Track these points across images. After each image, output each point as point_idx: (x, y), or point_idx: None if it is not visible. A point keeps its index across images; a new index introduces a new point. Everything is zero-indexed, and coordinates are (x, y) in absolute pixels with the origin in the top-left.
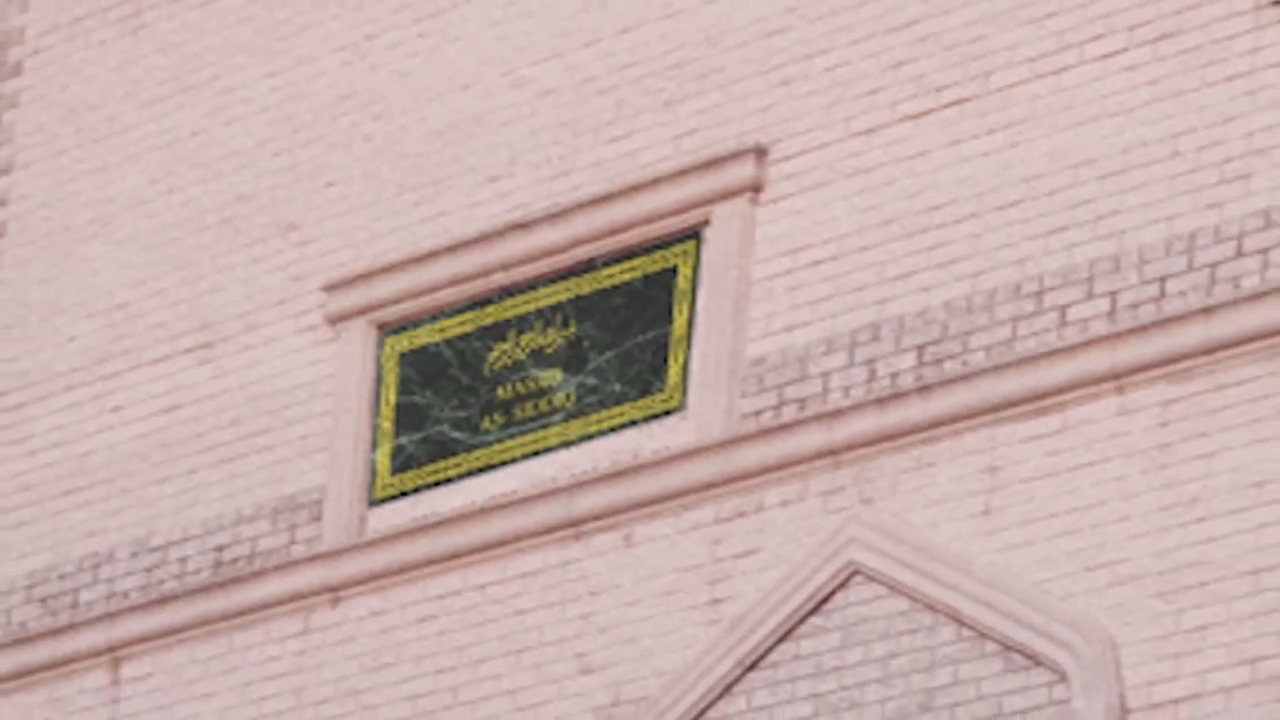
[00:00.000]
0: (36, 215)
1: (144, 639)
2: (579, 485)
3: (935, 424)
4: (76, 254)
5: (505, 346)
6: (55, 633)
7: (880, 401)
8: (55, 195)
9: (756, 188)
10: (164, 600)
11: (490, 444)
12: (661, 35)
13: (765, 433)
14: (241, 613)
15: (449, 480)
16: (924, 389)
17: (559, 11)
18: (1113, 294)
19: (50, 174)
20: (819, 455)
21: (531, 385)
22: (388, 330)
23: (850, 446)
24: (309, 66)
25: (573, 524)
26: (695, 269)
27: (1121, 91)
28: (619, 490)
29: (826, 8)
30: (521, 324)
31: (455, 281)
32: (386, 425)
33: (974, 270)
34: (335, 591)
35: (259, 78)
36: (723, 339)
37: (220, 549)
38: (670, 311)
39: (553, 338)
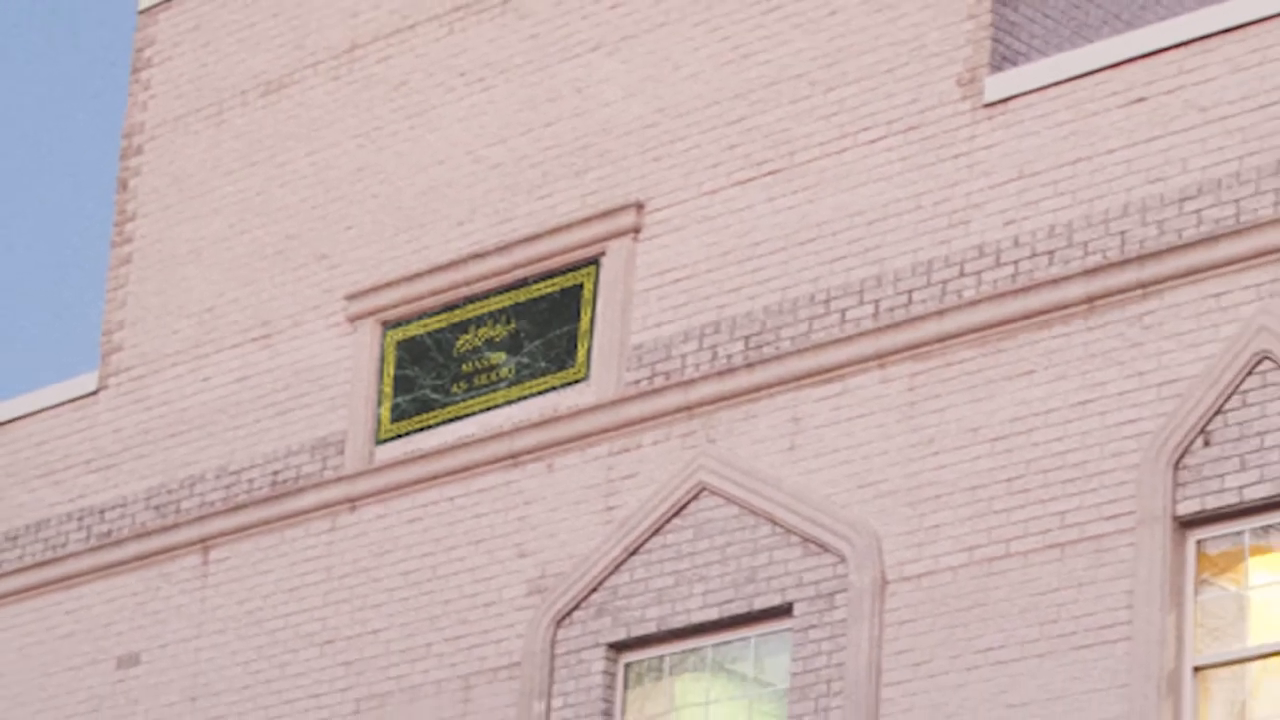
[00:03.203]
0: (152, 248)
1: (224, 534)
2: (517, 430)
3: (756, 389)
4: (178, 274)
5: (467, 337)
6: (164, 529)
7: (720, 374)
8: (164, 235)
9: (637, 230)
10: (238, 508)
11: (457, 402)
12: (572, 127)
13: (642, 395)
14: (290, 516)
15: (429, 427)
16: (749, 366)
17: (504, 111)
18: (876, 301)
19: (161, 220)
20: (678, 410)
21: (485, 363)
22: (389, 326)
23: (700, 404)
24: (336, 148)
25: (513, 456)
26: (595, 285)
27: (882, 164)
28: (544, 434)
29: (685, 108)
30: (479, 322)
31: (434, 293)
32: (387, 390)
33: (783, 286)
34: (353, 502)
35: (301, 155)
36: (614, 332)
37: (276, 473)
38: (579, 313)
39: (499, 331)
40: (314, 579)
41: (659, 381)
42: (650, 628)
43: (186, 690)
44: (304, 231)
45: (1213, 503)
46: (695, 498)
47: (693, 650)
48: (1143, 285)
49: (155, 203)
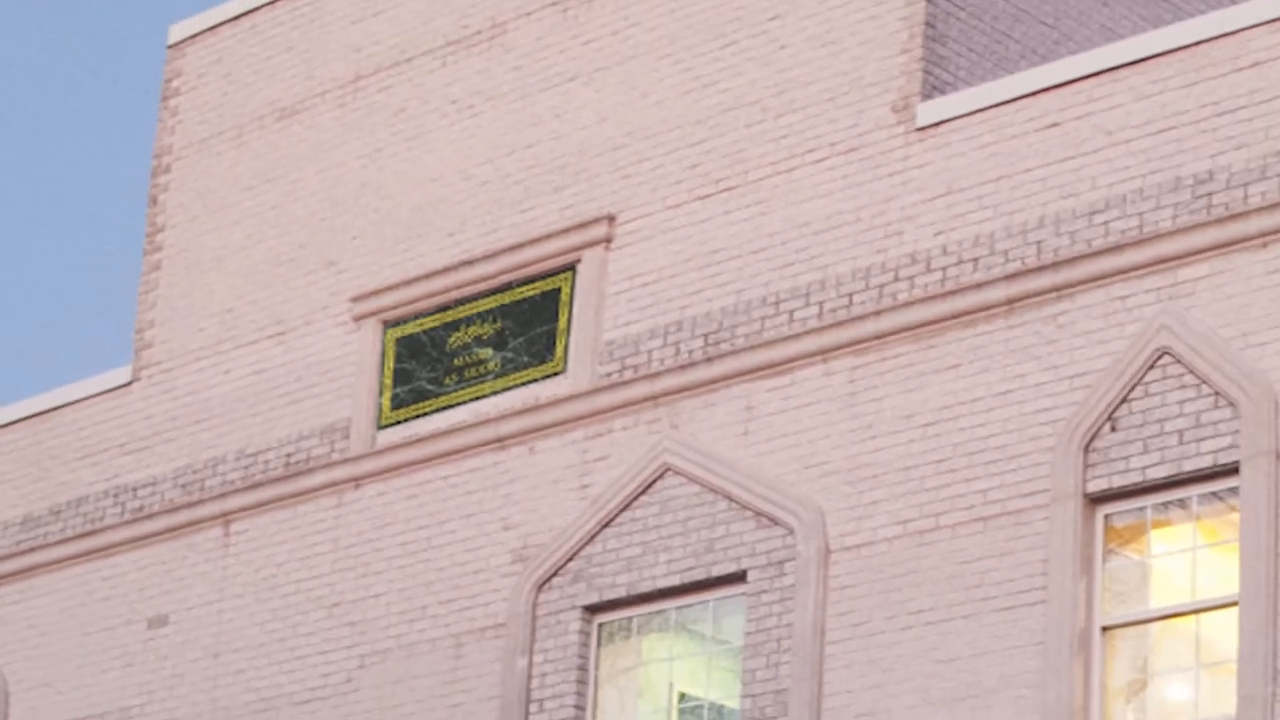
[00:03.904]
0: (179, 256)
1: (243, 509)
2: (503, 417)
3: (715, 381)
4: (203, 279)
5: (459, 334)
6: (190, 505)
7: (681, 368)
8: (190, 244)
9: (609, 240)
10: (256, 485)
11: (450, 392)
12: (551, 149)
13: (613, 386)
14: (302, 493)
15: (425, 414)
16: (708, 360)
17: (490, 134)
18: (821, 303)
19: (187, 231)
20: (645, 399)
21: (474, 357)
22: (389, 325)
23: (664, 394)
24: (342, 167)
25: (499, 440)
26: (572, 289)
27: (826, 182)
28: (526, 420)
29: (651, 131)
30: (469, 321)
31: (430, 295)
32: (388, 381)
33: (738, 289)
34: (358, 480)
35: (312, 173)
36: (588, 330)
37: (289, 455)
38: (558, 314)
39: (487, 329)
40: (323, 549)
41: (628, 374)
42: (620, 592)
43: (209, 648)
44: (314, 241)
45: (1119, 481)
46: (660, 477)
47: (658, 612)
48: (1057, 289)
49: (182, 215)
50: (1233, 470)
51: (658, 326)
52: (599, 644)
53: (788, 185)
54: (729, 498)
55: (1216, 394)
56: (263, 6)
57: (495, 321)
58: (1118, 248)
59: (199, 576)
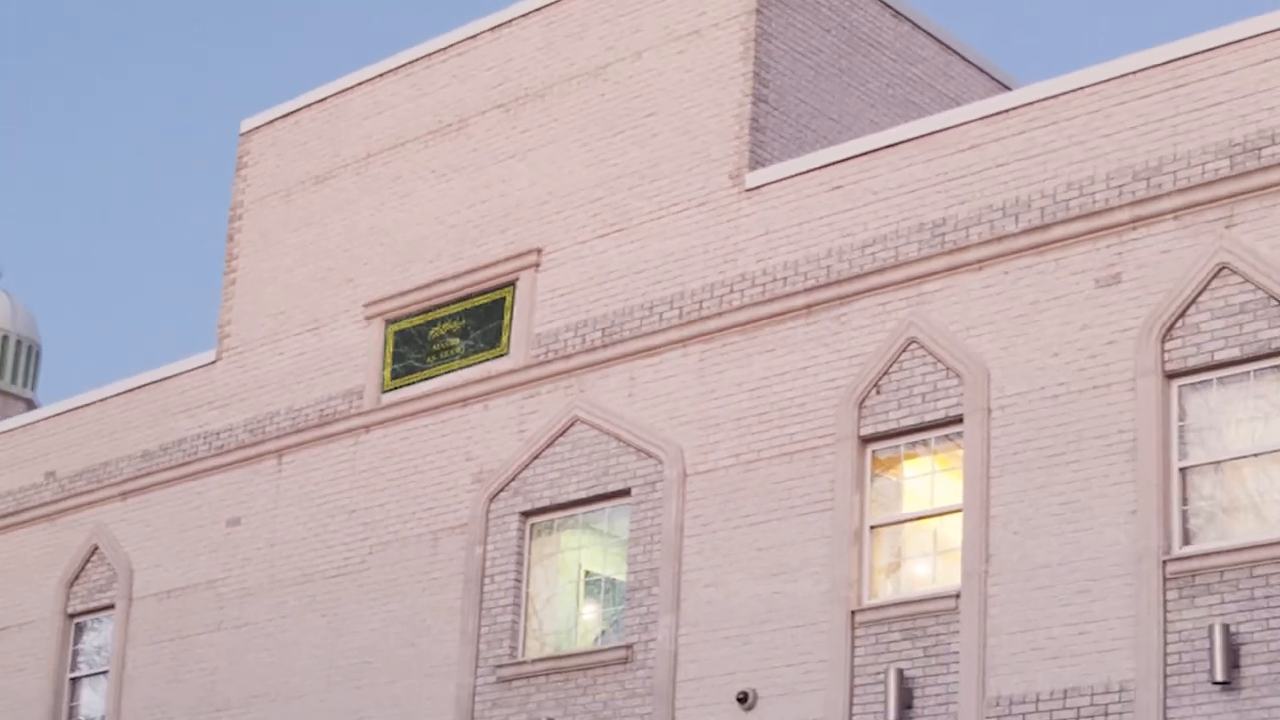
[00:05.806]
0: (248, 275)
1: (290, 446)
2: (466, 385)
3: (609, 360)
4: (263, 291)
5: (437, 328)
6: (254, 444)
7: (586, 351)
8: (254, 267)
9: (538, 265)
10: (300, 430)
11: (430, 368)
12: (499, 204)
13: (540, 364)
14: (329, 436)
15: (413, 384)
16: (604, 346)
17: (458, 193)
18: (680, 308)
19: (253, 259)
20: (562, 373)
21: (447, 345)
22: (389, 322)
23: (576, 369)
24: (358, 216)
25: (463, 401)
26: (513, 298)
27: (684, 225)
28: (482, 387)
29: (566, 191)
30: (443, 320)
31: (417, 303)
32: (388, 360)
33: (625, 298)
34: (368, 428)
35: (338, 220)
36: (524, 326)
37: (322, 410)
38: (503, 315)
39: (456, 325)
40: (344, 473)
41: (551, 355)
42: (546, 502)
43: (268, 540)
44: (338, 266)
45: (882, 428)
46: (572, 425)
47: (571, 516)
48: (841, 299)
49: (249, 248)
50: (958, 420)
51: (571, 324)
52: (531, 538)
53: (658, 228)
54: (618, 439)
55: (947, 369)
56: (303, 108)
57: (461, 320)
58: (880, 270)
59: (261, 492)
